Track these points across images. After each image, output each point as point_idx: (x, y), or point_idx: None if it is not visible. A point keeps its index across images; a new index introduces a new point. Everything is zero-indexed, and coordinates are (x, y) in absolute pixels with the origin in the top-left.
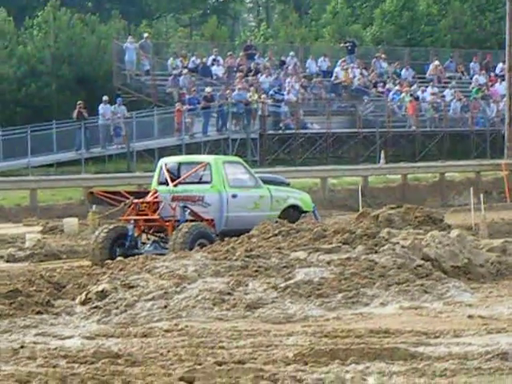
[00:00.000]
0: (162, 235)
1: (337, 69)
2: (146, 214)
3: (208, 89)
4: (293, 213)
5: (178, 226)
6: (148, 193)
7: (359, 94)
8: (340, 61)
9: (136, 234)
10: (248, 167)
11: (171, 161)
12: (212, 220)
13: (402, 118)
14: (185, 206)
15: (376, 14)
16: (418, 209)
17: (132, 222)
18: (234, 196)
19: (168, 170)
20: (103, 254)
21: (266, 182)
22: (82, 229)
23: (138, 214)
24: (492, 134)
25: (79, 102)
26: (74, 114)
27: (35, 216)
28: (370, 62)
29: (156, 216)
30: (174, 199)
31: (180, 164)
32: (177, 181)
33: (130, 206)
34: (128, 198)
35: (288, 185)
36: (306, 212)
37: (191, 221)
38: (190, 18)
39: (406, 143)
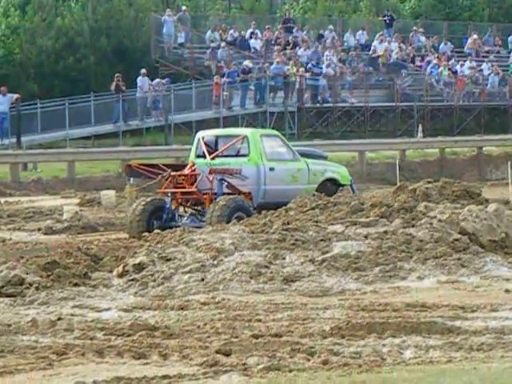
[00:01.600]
0: (199, 208)
1: (375, 42)
2: (184, 187)
3: (246, 62)
4: (330, 186)
5: (215, 198)
6: (185, 166)
7: (397, 68)
8: (378, 34)
9: (173, 207)
10: (285, 140)
11: (208, 134)
12: (249, 193)
13: (439, 92)
14: (222, 179)
15: None
16: (456, 183)
17: (169, 194)
18: (272, 169)
19: (205, 143)
20: (141, 226)
21: (304, 155)
22: (119, 201)
23: (175, 187)
24: None
25: (117, 75)
26: (112, 87)
27: (73, 188)
28: (408, 36)
29: (193, 189)
30: (211, 172)
31: (217, 137)
32: (214, 154)
33: (167, 179)
34: (165, 171)
35: (326, 158)
36: (343, 185)
37: (228, 194)
38: None
39: (444, 117)
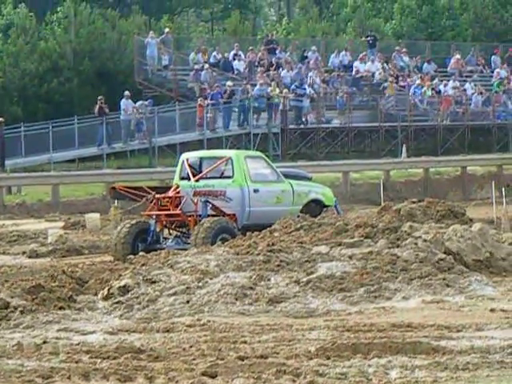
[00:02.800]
0: (183, 230)
1: (356, 63)
2: (168, 209)
3: (229, 83)
4: (315, 207)
5: (199, 220)
6: (170, 188)
7: (380, 88)
8: (361, 55)
9: (158, 229)
10: (270, 162)
11: (193, 156)
12: (234, 215)
13: (423, 112)
14: (206, 201)
15: (396, 8)
16: (440, 203)
17: (154, 217)
18: (256, 191)
19: (190, 165)
20: (125, 249)
21: (288, 176)
22: (104, 224)
23: (159, 209)
24: None
25: (100, 97)
26: (95, 110)
27: (57, 211)
28: (391, 56)
29: (178, 211)
30: (195, 194)
31: (202, 159)
32: (198, 176)
33: (151, 201)
34: (150, 193)
35: (310, 179)
36: (327, 206)
37: (213, 215)
38: (211, 12)
39: (428, 137)
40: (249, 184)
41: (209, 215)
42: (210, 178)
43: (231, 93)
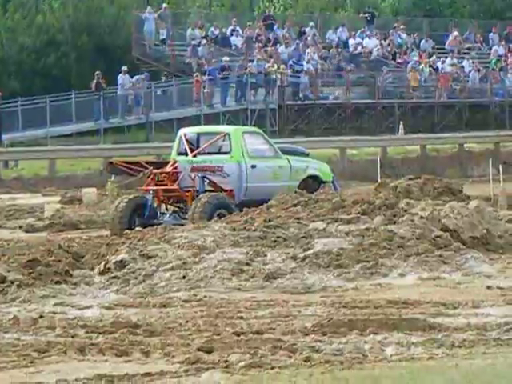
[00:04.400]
0: (181, 205)
1: (354, 40)
2: (165, 185)
3: (226, 58)
4: (312, 183)
5: (197, 196)
6: (167, 163)
7: (378, 65)
8: (359, 31)
9: (155, 205)
10: (267, 138)
11: (190, 131)
12: (231, 190)
13: (421, 89)
14: (204, 177)
15: None
16: (437, 180)
17: (151, 192)
18: (253, 166)
19: (187, 141)
20: (122, 223)
21: (286, 152)
22: (100, 199)
23: (157, 185)
24: (511, 104)
25: (97, 72)
26: (93, 85)
27: (54, 186)
28: (388, 33)
29: (175, 186)
30: (193, 169)
31: (199, 134)
32: (196, 151)
33: (149, 177)
34: (147, 168)
35: (307, 155)
36: (325, 182)
37: (210, 191)
38: None
39: (425, 114)
40: (246, 160)
41: (206, 191)
42: (207, 153)
43: (227, 68)
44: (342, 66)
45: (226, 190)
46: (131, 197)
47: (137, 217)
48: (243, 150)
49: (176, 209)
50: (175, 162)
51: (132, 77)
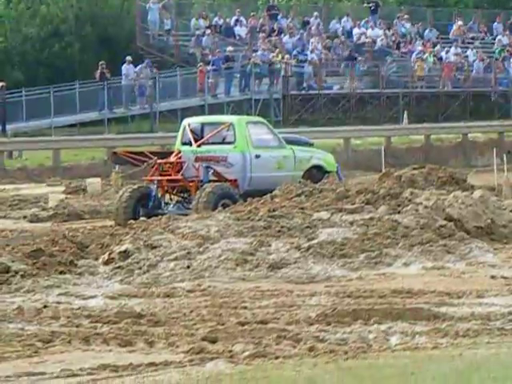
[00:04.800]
0: (185, 195)
1: (358, 30)
2: (170, 175)
3: (230, 48)
4: (316, 173)
5: (201, 186)
6: (171, 153)
7: (382, 55)
8: (363, 21)
9: (159, 195)
10: (271, 127)
11: (195, 121)
12: (235, 180)
13: (425, 79)
14: (208, 167)
15: None
16: (441, 169)
17: (155, 182)
18: (258, 156)
19: (191, 131)
20: (127, 213)
21: (290, 142)
22: (104, 189)
23: (161, 175)
24: None
25: (101, 62)
26: (97, 75)
27: (58, 176)
28: (392, 23)
29: (179, 176)
30: (197, 160)
31: (203, 124)
32: (200, 141)
33: (153, 167)
34: (151, 159)
35: (311, 145)
36: (329, 172)
37: (214, 181)
38: None
39: (429, 104)
40: (250, 150)
41: (210, 181)
42: (211, 143)
43: (231, 58)
44: (353, 56)
45: (230, 180)
46: (135, 187)
47: (141, 207)
48: (247, 139)
49: (180, 199)
50: (179, 152)
51: (136, 67)
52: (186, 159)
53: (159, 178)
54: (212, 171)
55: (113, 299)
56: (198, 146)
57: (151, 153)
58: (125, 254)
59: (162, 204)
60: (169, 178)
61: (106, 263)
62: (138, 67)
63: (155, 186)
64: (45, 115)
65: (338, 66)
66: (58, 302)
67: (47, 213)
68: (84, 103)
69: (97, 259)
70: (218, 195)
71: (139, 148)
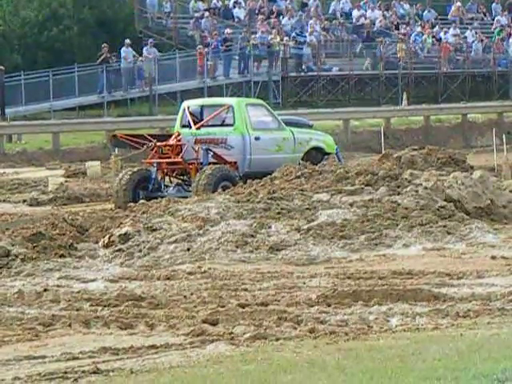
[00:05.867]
0: (185, 178)
1: (358, 12)
2: (169, 157)
3: (227, 30)
4: (316, 155)
5: (201, 168)
6: (171, 136)
7: (381, 36)
8: (361, 2)
9: (159, 177)
10: (271, 109)
11: (194, 103)
12: (235, 162)
13: (424, 60)
14: (208, 149)
15: None
16: (441, 150)
17: (155, 164)
18: (257, 138)
19: (191, 113)
20: (126, 196)
21: (289, 124)
22: (104, 172)
23: (160, 157)
24: None
25: (104, 45)
26: (100, 59)
27: (58, 159)
28: (391, 4)
29: (179, 159)
30: (196, 142)
31: (203, 107)
32: (199, 123)
33: (152, 149)
34: (151, 141)
35: (311, 127)
36: (328, 154)
37: (214, 163)
38: None
39: (428, 85)
40: (250, 132)
41: (210, 163)
42: (211, 125)
43: (229, 39)
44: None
45: (229, 162)
46: (135, 170)
47: (141, 189)
48: (247, 122)
49: (180, 181)
50: (179, 134)
51: (135, 50)
52: (185, 141)
53: (159, 160)
54: (212, 153)
55: (113, 282)
56: (198, 128)
57: (150, 135)
58: (125, 237)
59: (162, 186)
60: (168, 160)
61: (106, 246)
62: (145, 48)
63: (155, 169)
64: (44, 99)
65: (337, 48)
66: (59, 286)
67: (47, 196)
68: (83, 86)
69: (97, 242)
70: (218, 177)
71: (139, 131)
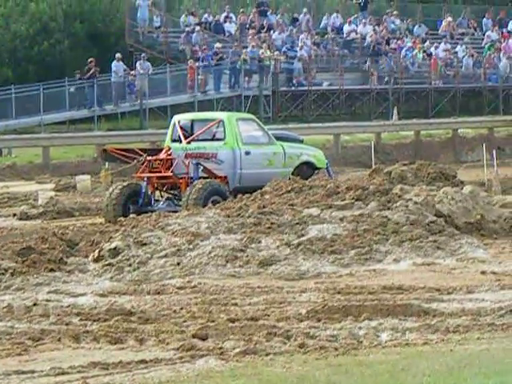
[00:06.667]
0: (175, 192)
1: (349, 27)
2: (160, 172)
3: (218, 44)
4: (306, 169)
5: (191, 182)
6: (161, 150)
7: (372, 51)
8: (352, 17)
9: (149, 192)
10: (261, 124)
11: (184, 118)
12: (225, 177)
13: (414, 75)
14: (198, 163)
15: None
16: (431, 165)
17: (145, 179)
18: (248, 153)
19: (181, 127)
20: (117, 210)
21: (280, 138)
22: (94, 186)
23: (151, 172)
24: (504, 90)
25: (90, 59)
26: (86, 72)
27: (48, 173)
28: (382, 19)
29: (169, 173)
30: (187, 156)
31: (193, 121)
32: (190, 138)
33: (143, 164)
34: (141, 155)
35: (301, 141)
36: (319, 169)
37: (204, 178)
38: None
39: (419, 100)
40: (240, 146)
41: (200, 177)
42: (201, 140)
43: (220, 54)
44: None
45: (220, 177)
46: (125, 184)
47: (131, 204)
48: (237, 136)
49: (170, 196)
50: (169, 148)
51: (126, 64)
52: (175, 156)
53: (149, 174)
54: (202, 168)
55: (103, 297)
56: (188, 142)
57: (141, 150)
58: (115, 252)
59: (152, 201)
60: (159, 174)
61: (95, 260)
62: (138, 62)
63: (145, 183)
64: (34, 112)
65: (328, 63)
66: (48, 300)
67: (37, 210)
68: (73, 100)
69: (87, 257)
70: (208, 192)
71: (129, 145)
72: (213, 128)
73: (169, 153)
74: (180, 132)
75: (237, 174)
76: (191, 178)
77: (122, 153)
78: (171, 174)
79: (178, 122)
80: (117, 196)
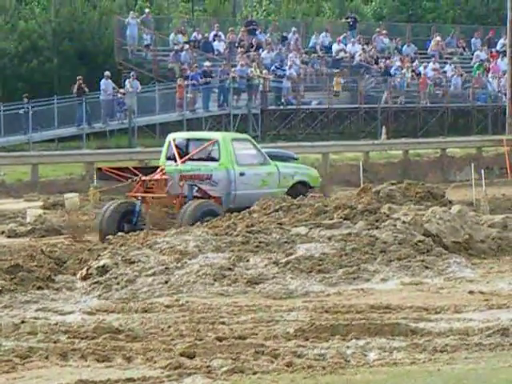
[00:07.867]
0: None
1: (337, 45)
2: (154, 192)
3: (207, 63)
4: (300, 188)
5: (185, 202)
6: (156, 168)
7: (360, 70)
8: (341, 36)
9: (143, 211)
10: (256, 144)
11: (180, 136)
12: (219, 198)
13: (404, 94)
14: (192, 184)
15: None
16: (419, 184)
17: (139, 198)
18: (242, 174)
19: (176, 146)
20: (111, 229)
21: (274, 157)
22: (82, 204)
23: (145, 191)
24: (493, 109)
25: (79, 77)
26: (74, 89)
27: (36, 191)
28: (371, 38)
29: (163, 193)
30: (181, 178)
31: (188, 140)
32: (185, 158)
33: (138, 183)
34: (136, 175)
35: (296, 160)
36: (312, 187)
37: (199, 198)
38: None
39: (408, 119)
40: (235, 167)
41: (194, 197)
42: (196, 159)
43: (209, 73)
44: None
45: (214, 197)
46: (119, 202)
47: (125, 222)
48: (232, 157)
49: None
50: (164, 168)
51: (115, 82)
52: (170, 176)
53: (143, 194)
54: (196, 188)
55: (91, 314)
56: (183, 162)
57: (136, 168)
58: (103, 269)
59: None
60: (153, 194)
61: (83, 278)
62: (127, 81)
63: (139, 202)
64: (23, 130)
65: (317, 82)
66: (36, 318)
67: (25, 228)
68: (62, 118)
69: (75, 274)
70: (202, 212)
71: (118, 163)
72: (208, 148)
73: (163, 172)
74: (175, 150)
75: (231, 195)
76: (185, 197)
77: (116, 172)
78: (165, 193)
79: (174, 141)
80: (111, 214)
